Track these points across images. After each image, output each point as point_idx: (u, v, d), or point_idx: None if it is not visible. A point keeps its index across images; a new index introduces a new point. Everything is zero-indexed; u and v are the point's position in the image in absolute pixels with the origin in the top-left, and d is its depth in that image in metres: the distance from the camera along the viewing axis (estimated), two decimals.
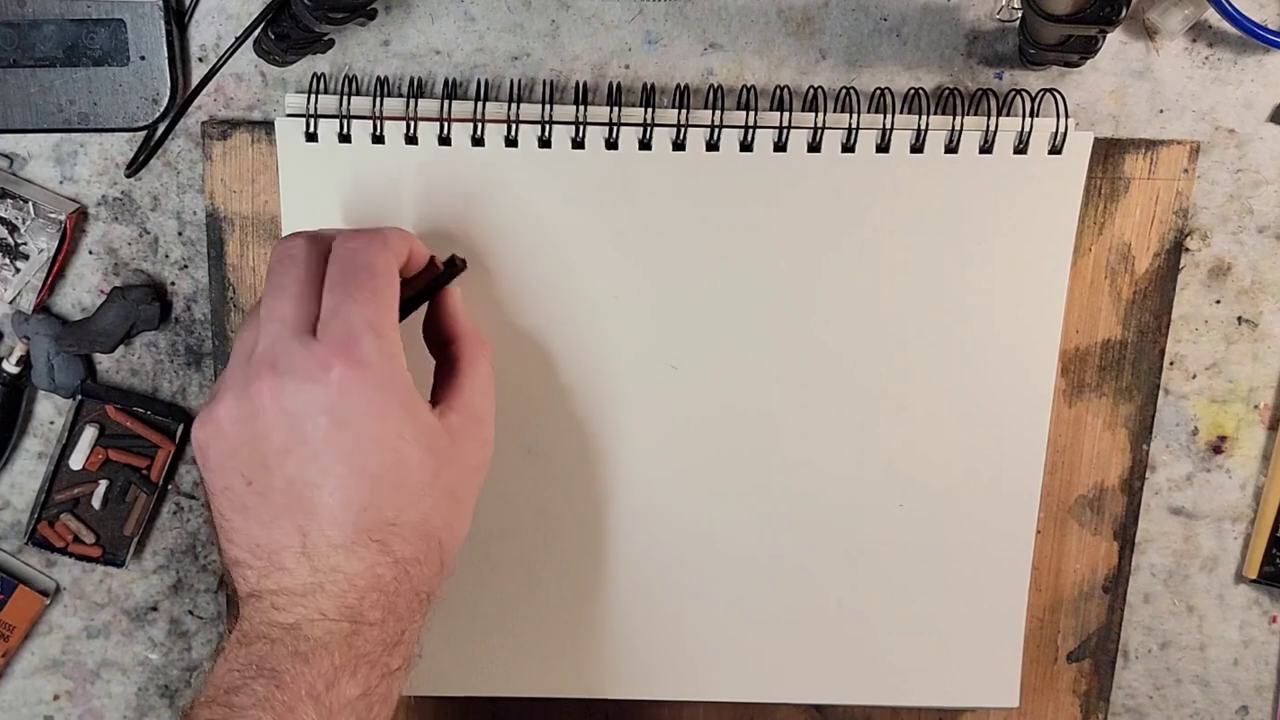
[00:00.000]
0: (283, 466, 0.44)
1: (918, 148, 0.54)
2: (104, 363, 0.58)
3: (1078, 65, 0.53)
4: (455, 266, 0.50)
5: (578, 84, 0.55)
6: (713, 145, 0.54)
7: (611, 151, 0.54)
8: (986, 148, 0.54)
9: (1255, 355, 0.58)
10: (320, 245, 0.47)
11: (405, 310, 0.49)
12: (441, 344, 0.50)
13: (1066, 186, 0.55)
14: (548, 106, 0.53)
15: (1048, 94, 0.54)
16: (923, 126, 0.53)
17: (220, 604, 0.61)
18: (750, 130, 0.53)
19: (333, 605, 0.44)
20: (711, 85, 0.55)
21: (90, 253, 0.57)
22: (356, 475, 0.44)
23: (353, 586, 0.44)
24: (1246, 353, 0.58)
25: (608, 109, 0.53)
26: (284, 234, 0.55)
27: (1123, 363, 0.57)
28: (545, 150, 0.54)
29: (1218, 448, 0.59)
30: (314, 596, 0.44)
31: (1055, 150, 0.54)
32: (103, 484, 0.58)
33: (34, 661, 0.61)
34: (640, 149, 0.54)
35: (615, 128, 0.53)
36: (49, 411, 0.59)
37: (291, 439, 0.44)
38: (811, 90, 0.54)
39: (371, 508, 0.44)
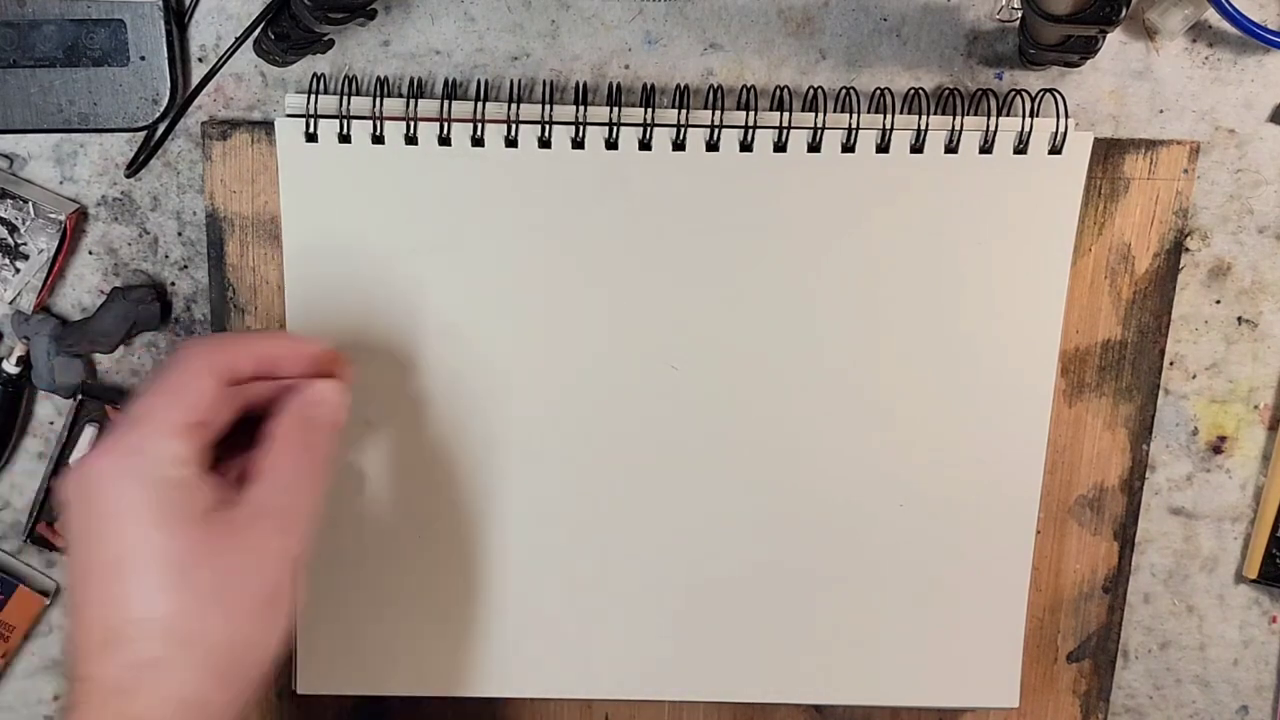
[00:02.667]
0: (86, 544, 0.45)
1: (918, 148, 0.54)
2: (104, 363, 0.58)
3: (1078, 65, 0.53)
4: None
5: (578, 84, 0.55)
6: (713, 145, 0.54)
7: (611, 151, 0.54)
8: (986, 148, 0.54)
9: (1255, 355, 0.58)
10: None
11: None
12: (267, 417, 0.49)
13: (1066, 187, 0.55)
14: (548, 106, 0.53)
15: (1048, 94, 0.54)
16: (923, 126, 0.53)
17: None
18: (750, 130, 0.53)
19: (150, 708, 0.43)
20: (711, 85, 0.55)
21: (90, 253, 0.57)
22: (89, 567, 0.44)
23: (161, 697, 0.43)
24: (1246, 353, 0.58)
25: (608, 109, 0.53)
26: (284, 234, 0.55)
27: (1123, 363, 0.57)
28: (545, 150, 0.54)
29: (1218, 448, 0.59)
30: (125, 700, 0.43)
31: (1055, 150, 0.54)
32: None
33: (34, 662, 0.61)
34: (640, 149, 0.54)
35: (615, 128, 0.53)
36: (49, 411, 0.59)
37: (85, 517, 0.45)
38: (811, 90, 0.54)
39: (99, 603, 0.44)
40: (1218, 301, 0.58)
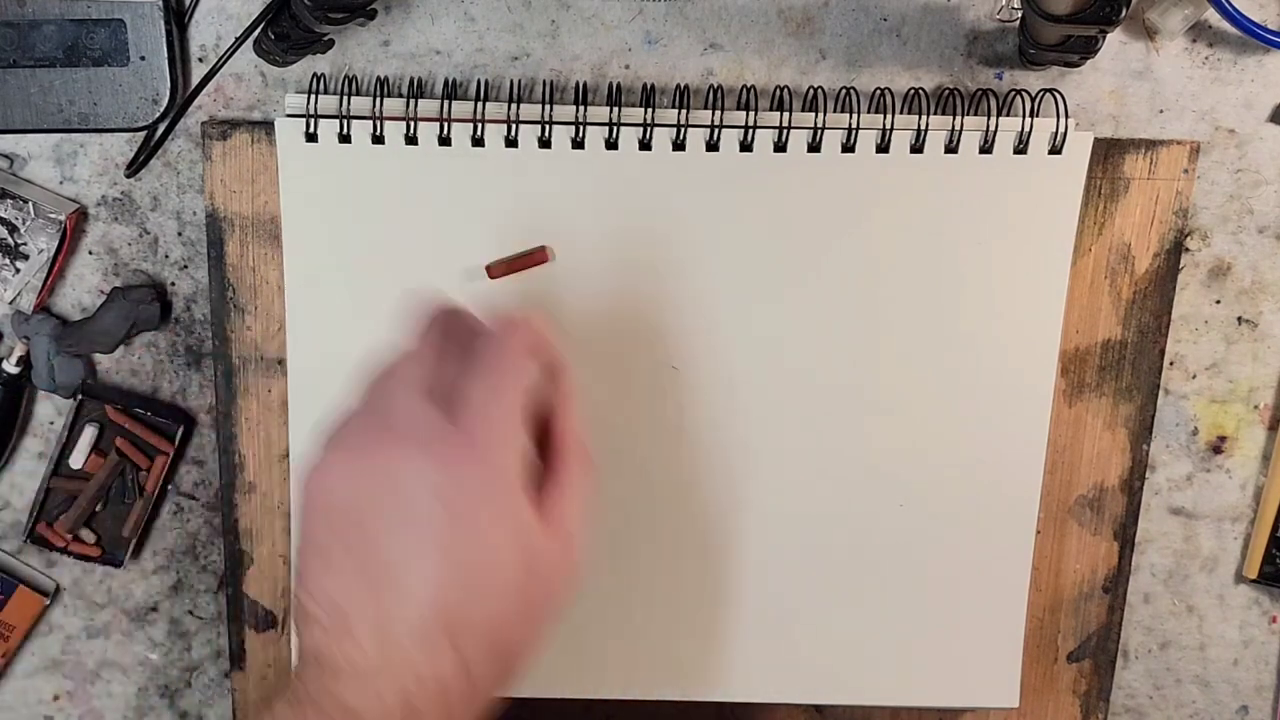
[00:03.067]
0: (380, 536, 0.42)
1: (918, 148, 0.54)
2: (104, 363, 0.58)
3: (1078, 65, 0.53)
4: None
5: (578, 84, 0.55)
6: (713, 145, 0.54)
7: (611, 151, 0.54)
8: (986, 148, 0.54)
9: (1255, 355, 0.58)
10: (462, 319, 0.46)
11: None
12: (549, 448, 0.46)
13: (1066, 187, 0.55)
14: (548, 106, 0.53)
15: (1048, 94, 0.54)
16: (923, 126, 0.53)
17: (220, 604, 0.61)
18: (750, 130, 0.53)
19: (392, 690, 0.41)
20: (711, 85, 0.55)
21: (90, 253, 0.57)
22: (449, 565, 0.42)
23: (416, 676, 0.41)
24: (1246, 353, 0.58)
25: (608, 109, 0.53)
26: (284, 234, 0.55)
27: (1123, 363, 0.57)
28: (545, 150, 0.54)
29: (1218, 448, 0.59)
30: (376, 678, 0.42)
31: (1055, 150, 0.54)
32: (102, 484, 0.58)
33: (34, 662, 0.61)
34: (640, 149, 0.54)
35: (615, 128, 0.53)
36: (49, 411, 0.59)
37: (396, 511, 0.42)
38: (811, 90, 0.54)
39: (454, 602, 0.42)
40: (1218, 301, 0.58)
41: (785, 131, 0.53)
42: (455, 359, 0.44)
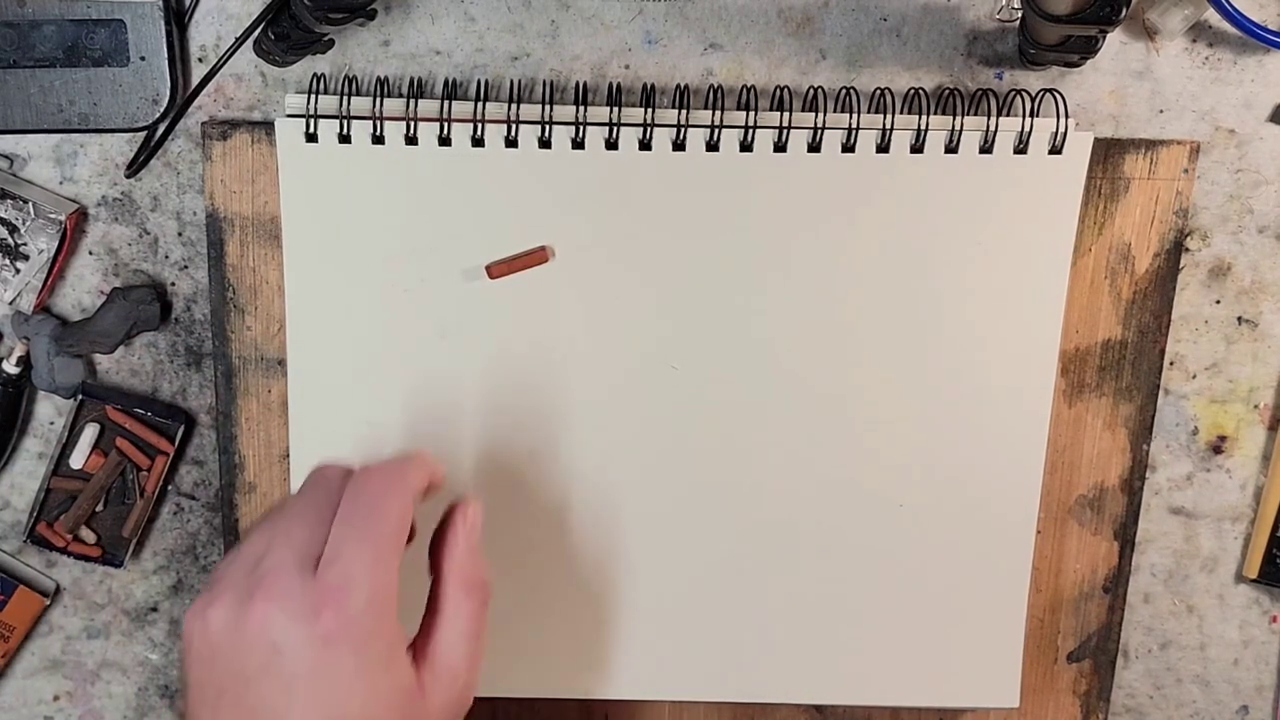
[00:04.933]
0: (256, 688, 0.43)
1: (918, 148, 0.54)
2: (104, 363, 0.58)
3: (1078, 65, 0.53)
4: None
5: (578, 84, 0.55)
6: (713, 145, 0.54)
7: (611, 151, 0.54)
8: (986, 148, 0.54)
9: (1255, 355, 0.58)
10: (344, 477, 0.47)
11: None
12: (435, 579, 0.48)
13: (1066, 186, 0.55)
14: (548, 107, 0.53)
15: (1048, 94, 0.54)
16: (923, 126, 0.53)
17: None
18: (750, 130, 0.53)
19: None
20: (711, 85, 0.55)
21: (90, 253, 0.57)
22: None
23: None
24: (1246, 353, 0.58)
25: (608, 109, 0.53)
26: (284, 234, 0.55)
27: (1123, 363, 0.57)
28: (545, 150, 0.54)
29: (1218, 448, 0.59)
30: None
31: (1055, 150, 0.54)
32: (102, 484, 0.58)
33: (34, 662, 0.61)
34: (640, 149, 0.54)
35: (615, 128, 0.53)
36: (49, 411, 0.59)
37: (269, 667, 0.43)
38: (811, 90, 0.54)
39: None
40: (1218, 301, 0.58)
41: (785, 131, 0.53)
42: (338, 521, 0.45)
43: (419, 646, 0.46)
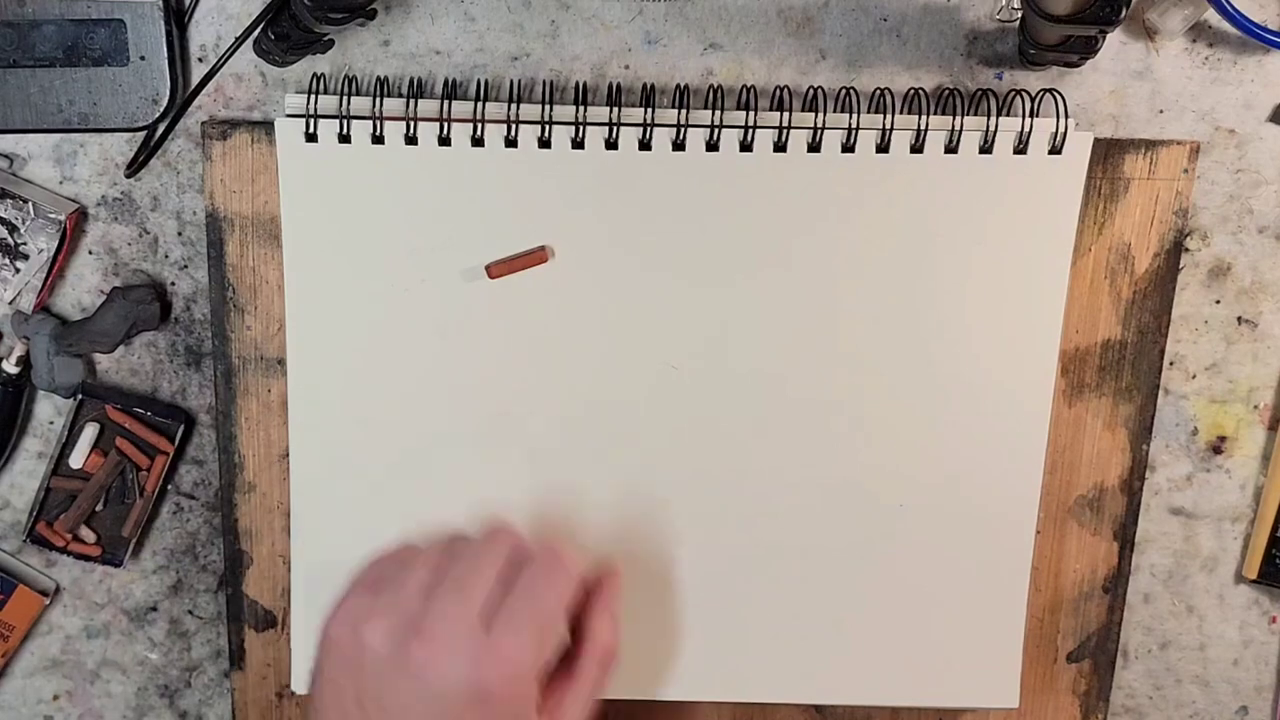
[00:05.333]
0: (398, 716, 0.46)
1: (918, 148, 0.54)
2: (104, 363, 0.58)
3: (1078, 65, 0.53)
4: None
5: (578, 84, 0.55)
6: (713, 145, 0.54)
7: (611, 151, 0.54)
8: (986, 148, 0.54)
9: (1255, 355, 0.58)
10: (523, 542, 0.50)
11: None
12: (578, 642, 0.51)
13: (1066, 187, 0.55)
14: (548, 106, 0.53)
15: (1048, 94, 0.54)
16: (923, 126, 0.53)
17: (220, 604, 0.61)
18: (750, 130, 0.53)
19: None
20: (711, 85, 0.55)
21: (90, 253, 0.57)
22: None
23: None
24: (1246, 353, 0.58)
25: (608, 109, 0.53)
26: (284, 234, 0.55)
27: (1123, 363, 0.57)
28: (545, 150, 0.54)
29: (1218, 448, 0.59)
30: None
31: (1055, 150, 0.54)
32: (102, 484, 0.58)
33: (34, 661, 0.61)
34: (640, 149, 0.54)
35: (615, 128, 0.53)
36: (49, 411, 0.59)
37: (419, 705, 0.46)
38: (811, 90, 0.54)
39: None
40: (1218, 301, 0.58)
41: (785, 131, 0.53)
42: (520, 588, 0.48)
43: (549, 706, 0.49)
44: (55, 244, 0.55)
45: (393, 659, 0.46)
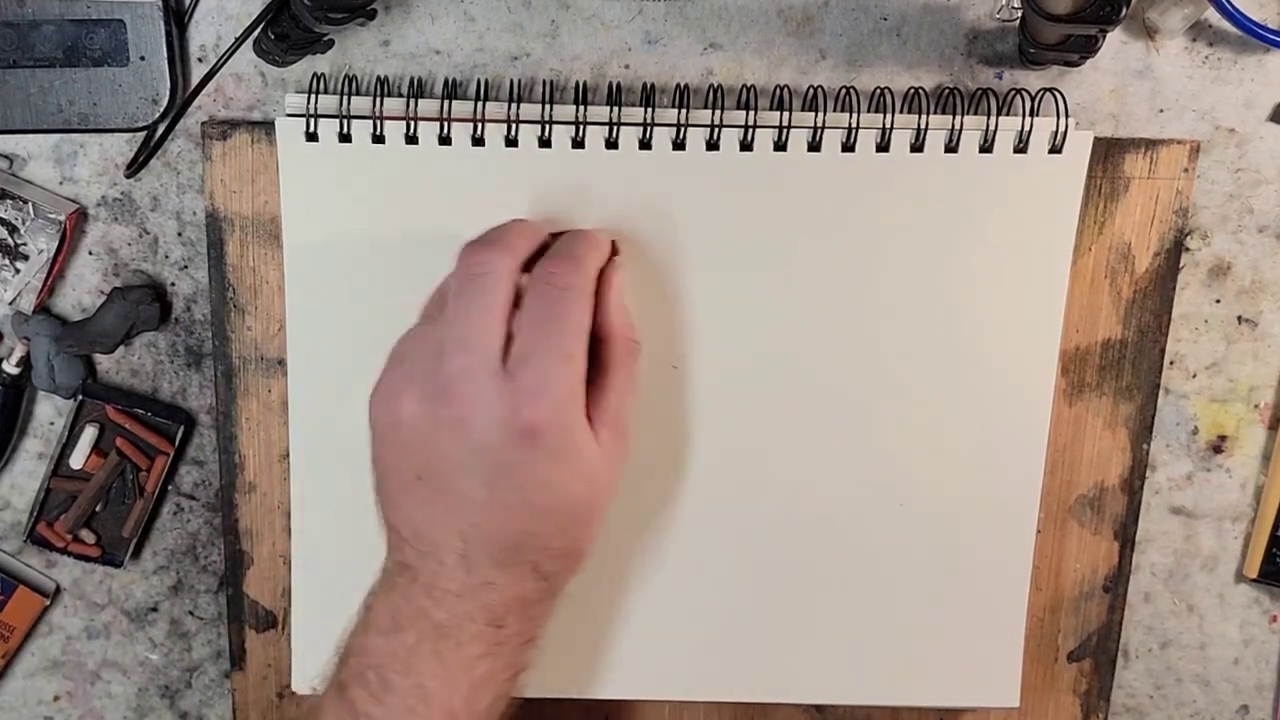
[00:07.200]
0: (455, 477, 0.46)
1: (918, 147, 0.54)
2: (104, 363, 0.58)
3: (1078, 65, 0.53)
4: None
5: (578, 84, 0.55)
6: (713, 145, 0.54)
7: (611, 151, 0.54)
8: (986, 147, 0.54)
9: (1255, 355, 0.58)
10: (514, 262, 0.49)
11: None
12: (597, 339, 0.50)
13: (1066, 186, 0.55)
14: (548, 106, 0.53)
15: (1048, 93, 0.54)
16: (923, 126, 0.53)
17: (220, 604, 0.61)
18: (750, 130, 0.53)
19: (479, 608, 0.47)
20: (711, 85, 0.55)
21: (90, 253, 0.57)
22: (524, 509, 0.47)
23: (502, 598, 0.47)
24: (1246, 352, 0.58)
25: (608, 109, 0.53)
26: (284, 234, 0.55)
27: (1123, 362, 0.57)
28: (545, 150, 0.54)
29: (1218, 447, 0.59)
30: (465, 600, 0.47)
31: (1055, 150, 0.54)
32: (102, 484, 0.58)
33: (34, 662, 0.61)
34: (640, 149, 0.54)
35: (615, 128, 0.53)
36: (49, 412, 0.59)
37: (469, 461, 0.46)
38: (811, 90, 0.54)
39: (532, 535, 0.47)
40: (1218, 301, 0.58)
41: (785, 131, 0.53)
42: (526, 322, 0.47)
43: (594, 410, 0.48)
44: (55, 244, 0.55)
45: (431, 426, 0.46)
